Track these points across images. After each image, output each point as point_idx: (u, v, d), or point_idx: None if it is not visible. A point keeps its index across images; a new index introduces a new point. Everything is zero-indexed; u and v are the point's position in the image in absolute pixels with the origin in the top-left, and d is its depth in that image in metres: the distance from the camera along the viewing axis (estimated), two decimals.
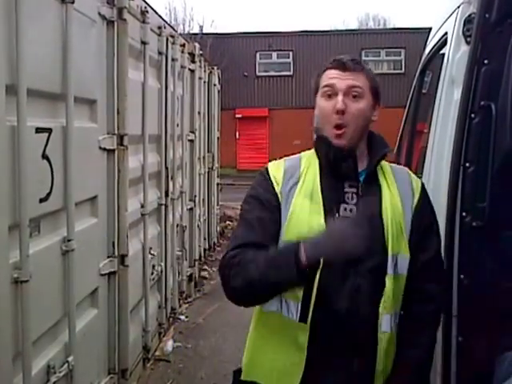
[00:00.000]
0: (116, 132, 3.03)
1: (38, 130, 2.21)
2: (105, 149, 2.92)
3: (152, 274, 3.90)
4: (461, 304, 1.72)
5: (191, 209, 5.69)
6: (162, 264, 4.24)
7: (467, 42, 1.81)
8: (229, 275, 1.49)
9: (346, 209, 1.53)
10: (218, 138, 7.68)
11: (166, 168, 4.30)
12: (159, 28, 4.12)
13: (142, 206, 3.62)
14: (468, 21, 1.81)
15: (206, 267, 6.65)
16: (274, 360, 1.55)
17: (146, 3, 3.71)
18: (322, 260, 1.41)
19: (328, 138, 1.56)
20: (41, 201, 2.22)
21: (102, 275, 2.91)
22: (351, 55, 1.61)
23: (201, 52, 6.17)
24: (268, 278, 1.42)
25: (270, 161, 1.70)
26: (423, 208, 1.60)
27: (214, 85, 7.32)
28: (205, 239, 6.85)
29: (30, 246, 2.06)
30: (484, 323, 1.71)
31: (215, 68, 7.50)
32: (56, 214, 2.39)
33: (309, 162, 1.60)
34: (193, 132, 5.66)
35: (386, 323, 1.53)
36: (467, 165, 1.73)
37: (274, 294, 1.48)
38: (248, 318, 1.68)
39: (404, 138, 3.19)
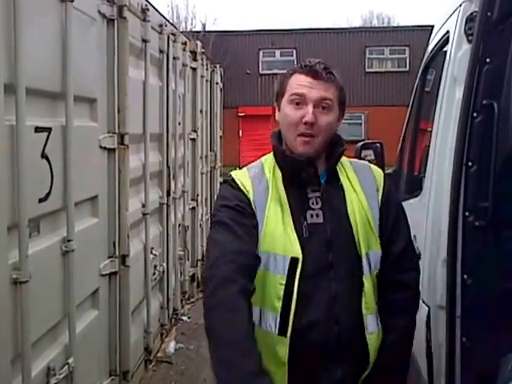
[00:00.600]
0: (117, 131, 3.01)
1: (38, 130, 2.18)
2: (105, 148, 2.90)
3: (154, 274, 3.87)
4: (464, 304, 1.71)
5: (193, 208, 5.66)
6: (164, 264, 4.22)
7: (469, 41, 1.80)
8: (207, 289, 1.39)
9: (312, 215, 1.52)
10: (220, 136, 7.65)
11: (168, 167, 4.27)
12: (160, 26, 4.09)
13: (144, 206, 3.59)
14: (470, 19, 1.80)
15: None
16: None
17: (147, 1, 3.69)
18: (298, 270, 1.43)
19: (284, 150, 1.54)
20: (40, 201, 2.20)
21: (102, 276, 2.89)
22: (323, 61, 1.56)
23: (203, 50, 6.14)
24: (219, 356, 1.30)
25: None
26: (389, 200, 1.59)
27: (217, 83, 7.29)
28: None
29: (29, 246, 2.04)
30: (488, 324, 1.70)
31: (217, 66, 7.47)
32: (56, 214, 2.36)
33: (272, 169, 1.57)
34: (195, 131, 5.64)
35: (371, 323, 1.53)
36: (469, 164, 1.72)
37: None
38: None
39: (407, 137, 3.17)
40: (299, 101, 1.50)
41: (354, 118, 21.97)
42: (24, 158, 1.99)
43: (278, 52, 22.49)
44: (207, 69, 6.60)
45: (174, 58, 4.52)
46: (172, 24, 4.96)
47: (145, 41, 3.63)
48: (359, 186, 1.58)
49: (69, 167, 2.39)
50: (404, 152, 3.17)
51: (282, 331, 1.47)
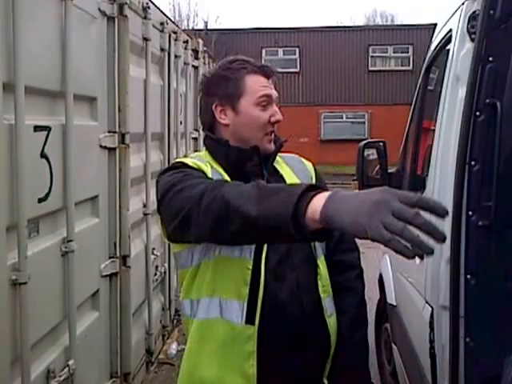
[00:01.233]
0: (117, 130, 2.98)
1: (37, 129, 2.16)
2: (106, 147, 2.87)
3: (155, 274, 3.85)
4: (468, 304, 1.70)
5: None
6: (166, 265, 4.19)
7: (472, 39, 1.79)
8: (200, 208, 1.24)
9: None
10: None
11: None
12: (161, 24, 4.06)
13: (145, 206, 3.57)
14: (472, 18, 1.79)
15: None
16: (220, 378, 1.45)
17: None
18: (264, 253, 1.42)
19: (228, 141, 1.52)
20: (39, 201, 2.18)
21: (103, 277, 2.86)
22: (258, 61, 1.60)
23: (205, 48, 6.11)
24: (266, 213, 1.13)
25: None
26: (322, 184, 1.63)
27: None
28: None
29: (28, 247, 2.02)
30: (492, 324, 1.69)
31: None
32: (55, 214, 2.34)
33: (210, 165, 1.53)
34: (197, 130, 5.60)
35: (330, 306, 1.55)
36: (473, 163, 1.71)
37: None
38: None
39: (410, 136, 3.16)
40: (266, 102, 1.53)
41: (357, 117, 21.94)
42: (23, 158, 1.97)
43: (280, 50, 22.45)
44: (209, 67, 6.57)
45: (176, 57, 4.49)
46: (173, 22, 4.92)
47: (146, 39, 3.60)
48: (295, 176, 1.61)
49: (69, 167, 2.37)
50: (407, 151, 3.15)
51: (250, 320, 1.43)
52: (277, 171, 1.61)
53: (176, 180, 1.38)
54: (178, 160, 1.58)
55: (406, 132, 3.27)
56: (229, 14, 50.05)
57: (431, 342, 1.92)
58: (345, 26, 25.01)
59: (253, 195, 1.18)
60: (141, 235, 3.57)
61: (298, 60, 22.32)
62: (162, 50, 4.15)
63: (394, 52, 21.78)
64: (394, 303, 3.00)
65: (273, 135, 1.56)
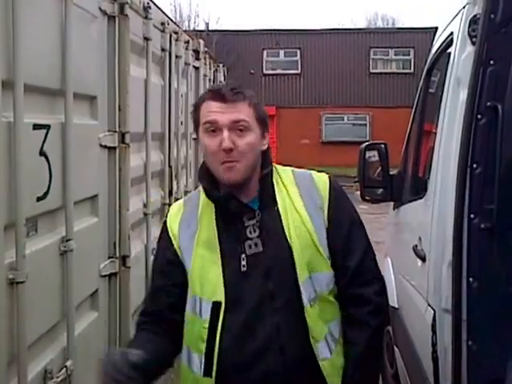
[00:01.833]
0: (117, 129, 2.97)
1: (36, 127, 2.15)
2: (105, 146, 2.86)
3: None
4: (470, 308, 1.68)
5: None
6: None
7: (473, 43, 1.79)
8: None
9: (250, 246, 1.47)
10: None
11: (170, 167, 4.23)
12: (162, 24, 4.05)
13: (145, 206, 3.55)
14: (473, 21, 1.80)
15: None
16: None
17: None
18: (221, 313, 1.45)
19: (206, 187, 1.52)
20: (38, 199, 2.16)
21: (102, 277, 2.84)
22: (231, 83, 1.53)
23: (206, 49, 6.10)
24: None
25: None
26: (337, 210, 1.51)
27: (220, 82, 7.26)
28: None
29: (26, 245, 2.00)
30: (494, 327, 1.68)
31: (221, 65, 7.44)
32: (54, 213, 2.32)
33: (206, 202, 1.53)
34: None
35: (323, 350, 1.47)
36: (474, 166, 1.70)
37: None
38: None
39: (411, 138, 3.16)
40: (213, 128, 1.45)
41: (359, 119, 21.96)
42: (22, 156, 1.96)
43: (282, 52, 22.48)
44: (210, 68, 6.57)
45: (177, 57, 4.48)
46: (174, 22, 4.92)
47: (146, 39, 3.60)
48: (301, 204, 1.50)
49: (68, 165, 2.35)
50: (408, 153, 3.15)
51: (207, 372, 1.47)
52: (275, 201, 1.50)
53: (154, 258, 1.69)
54: (169, 211, 1.66)
55: (408, 134, 3.26)
56: (230, 15, 50.31)
57: (433, 345, 1.91)
58: (346, 29, 25.07)
59: None
60: (141, 235, 3.56)
61: (300, 62, 22.34)
62: (163, 50, 4.14)
63: (396, 55, 21.80)
64: (396, 306, 2.99)
65: (231, 163, 1.44)
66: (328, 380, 1.49)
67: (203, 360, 1.48)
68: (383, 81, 21.58)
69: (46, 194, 2.21)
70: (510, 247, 1.71)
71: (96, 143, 2.77)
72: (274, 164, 1.56)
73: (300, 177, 1.56)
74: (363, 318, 1.54)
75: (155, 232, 3.86)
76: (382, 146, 3.17)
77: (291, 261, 1.46)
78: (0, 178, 1.89)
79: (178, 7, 26.27)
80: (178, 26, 5.00)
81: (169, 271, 1.55)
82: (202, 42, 5.83)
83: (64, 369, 2.31)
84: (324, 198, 1.52)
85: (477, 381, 1.70)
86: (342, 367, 1.52)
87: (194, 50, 5.44)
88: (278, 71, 22.34)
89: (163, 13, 4.22)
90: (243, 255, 1.46)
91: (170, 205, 4.20)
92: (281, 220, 1.48)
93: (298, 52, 22.21)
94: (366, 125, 21.84)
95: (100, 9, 2.83)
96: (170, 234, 1.56)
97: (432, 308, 1.97)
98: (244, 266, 1.46)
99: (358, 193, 3.23)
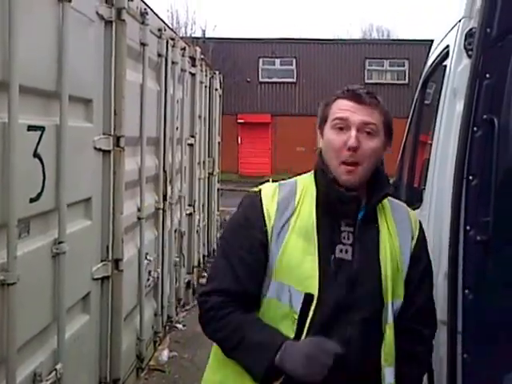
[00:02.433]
0: (112, 133, 2.96)
1: (30, 128, 2.14)
2: (100, 149, 2.85)
3: (148, 280, 3.81)
4: (465, 320, 1.68)
5: (190, 214, 5.61)
6: (159, 270, 4.16)
7: (469, 56, 1.80)
8: (202, 318, 1.49)
9: (341, 250, 1.45)
10: (218, 142, 7.62)
11: (165, 171, 4.23)
12: (159, 30, 4.06)
13: (139, 210, 3.54)
14: (469, 35, 1.81)
15: (204, 274, 6.54)
16: None
17: (146, 4, 3.66)
18: (312, 308, 1.40)
19: (331, 174, 1.45)
20: (31, 200, 2.15)
21: (94, 280, 2.83)
22: (365, 87, 1.51)
23: (202, 56, 6.12)
24: (236, 356, 1.44)
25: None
26: (421, 249, 1.53)
27: (216, 89, 7.27)
28: (204, 245, 6.77)
29: (18, 247, 1.99)
30: (490, 339, 1.67)
31: (217, 72, 7.46)
32: (47, 215, 2.31)
33: (305, 191, 1.50)
34: (193, 136, 5.60)
35: (389, 376, 1.45)
36: (470, 178, 1.70)
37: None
38: None
39: (407, 149, 3.17)
40: (342, 125, 1.44)
41: None
42: (15, 157, 1.95)
43: (277, 61, 22.56)
44: (206, 75, 6.58)
45: (173, 63, 4.49)
46: (171, 29, 4.93)
47: (143, 44, 3.60)
48: (395, 230, 1.50)
49: (62, 167, 2.35)
50: (404, 163, 3.16)
51: None
52: (376, 218, 1.49)
53: (227, 236, 1.54)
54: (262, 189, 1.52)
55: (403, 144, 3.28)
56: (227, 22, 50.34)
57: None
58: (342, 39, 25.20)
59: (233, 341, 1.41)
60: (134, 239, 3.54)
61: (295, 70, 22.42)
62: (160, 55, 4.15)
63: (390, 66, 21.93)
64: None
65: (353, 167, 1.43)
66: None
67: None
68: (378, 91, 21.37)
69: (39, 195, 2.20)
70: (505, 260, 1.70)
71: (90, 146, 2.77)
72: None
73: (398, 208, 1.57)
74: (420, 356, 1.54)
75: (149, 236, 3.86)
76: None
77: (379, 279, 1.45)
78: None
79: (175, 14, 26.21)
80: (174, 32, 5.02)
81: (257, 252, 1.44)
82: (198, 49, 5.85)
83: (54, 372, 2.29)
84: (414, 232, 1.54)
85: None
86: None
87: (190, 57, 5.46)
88: (274, 79, 22.40)
89: (160, 19, 4.23)
90: (332, 256, 1.43)
91: (163, 209, 4.21)
92: (378, 239, 1.47)
93: (294, 61, 22.30)
94: None
95: (97, 13, 2.84)
96: (265, 213, 1.46)
97: None
98: (333, 265, 1.44)
99: None
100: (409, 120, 3.20)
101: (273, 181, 1.57)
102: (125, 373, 3.24)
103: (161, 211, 4.15)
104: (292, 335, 1.41)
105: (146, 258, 3.67)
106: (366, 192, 1.50)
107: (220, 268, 1.48)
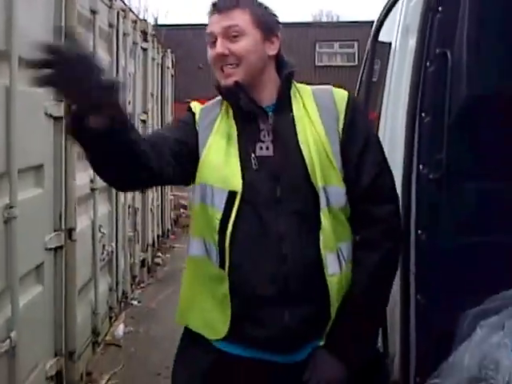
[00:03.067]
0: (63, 99, 2.88)
1: None
2: (51, 116, 2.77)
3: (102, 253, 3.76)
4: (419, 261, 1.64)
5: (143, 191, 5.54)
6: (113, 244, 4.11)
7: None
8: None
9: (261, 147, 1.44)
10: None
11: None
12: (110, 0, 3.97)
13: (92, 181, 3.48)
14: None
15: (159, 254, 6.51)
16: (202, 310, 1.49)
17: None
18: (236, 204, 1.39)
19: (218, 82, 1.49)
20: None
21: (47, 250, 2.76)
22: None
23: (153, 33, 6.02)
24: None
25: None
26: (351, 128, 1.46)
27: (168, 67, 7.18)
28: (158, 225, 6.72)
29: None
30: (443, 280, 1.63)
31: (169, 51, 7.35)
32: None
33: (226, 106, 1.52)
34: (145, 112, 5.52)
35: (332, 264, 1.41)
36: (423, 115, 1.64)
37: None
38: None
39: (360, 96, 3.09)
40: (213, 40, 1.47)
41: None
42: None
43: None
44: (158, 52, 6.49)
45: (124, 35, 4.41)
46: (122, 1, 4.82)
47: (93, 12, 3.52)
48: (317, 116, 1.45)
49: (12, 131, 2.27)
50: None
51: (222, 264, 1.42)
52: (290, 109, 1.46)
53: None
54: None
55: (356, 94, 3.22)
56: (179, 8, 49.38)
57: None
58: (292, 23, 25.21)
59: None
60: (88, 212, 3.48)
61: None
62: (111, 26, 4.06)
63: (340, 48, 22.19)
64: None
65: (230, 70, 1.43)
66: (332, 298, 1.42)
67: (218, 251, 1.41)
68: (329, 73, 21.93)
69: None
70: (459, 198, 1.65)
71: (41, 112, 2.69)
72: (294, 82, 1.52)
73: (321, 92, 1.51)
74: (375, 237, 1.44)
75: (102, 210, 3.79)
76: None
77: (303, 168, 1.41)
78: None
79: (127, 1, 25.44)
80: (125, 4, 4.91)
81: (183, 135, 1.47)
82: (150, 23, 5.76)
83: (8, 340, 2.24)
84: (340, 110, 1.46)
85: (425, 334, 1.64)
86: (348, 288, 1.44)
87: (142, 31, 5.37)
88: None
89: None
90: (252, 154, 1.43)
91: None
92: (294, 126, 1.44)
93: None
94: None
95: None
96: (193, 109, 1.53)
97: None
98: (255, 164, 1.43)
99: None
100: (361, 69, 3.14)
101: None
102: (80, 346, 3.20)
103: None
104: (217, 237, 1.41)
105: (99, 230, 3.62)
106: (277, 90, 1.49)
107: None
